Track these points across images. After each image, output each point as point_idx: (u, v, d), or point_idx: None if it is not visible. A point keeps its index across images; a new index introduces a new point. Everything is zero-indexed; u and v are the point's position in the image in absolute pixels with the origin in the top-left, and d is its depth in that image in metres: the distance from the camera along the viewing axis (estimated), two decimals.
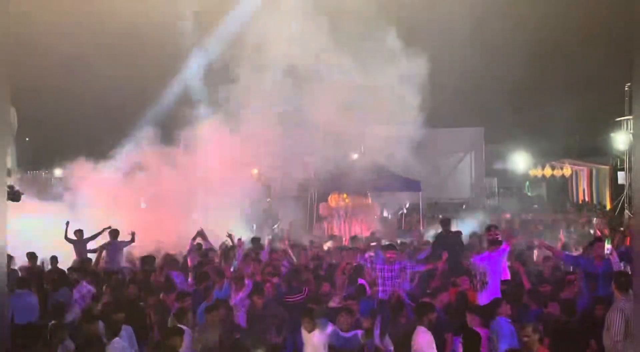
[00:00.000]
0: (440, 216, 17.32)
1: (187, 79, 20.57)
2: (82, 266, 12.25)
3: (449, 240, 12.36)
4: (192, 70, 20.21)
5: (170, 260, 11.73)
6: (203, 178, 17.27)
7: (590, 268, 9.37)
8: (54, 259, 13.07)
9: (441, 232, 13.10)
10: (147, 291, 9.79)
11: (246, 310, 9.20)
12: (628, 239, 10.49)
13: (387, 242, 12.39)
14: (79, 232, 14.62)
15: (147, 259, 11.99)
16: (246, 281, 9.52)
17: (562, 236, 13.57)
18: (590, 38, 24.48)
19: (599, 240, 10.41)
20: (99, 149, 19.86)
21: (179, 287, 10.16)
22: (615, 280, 7.07)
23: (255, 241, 14.01)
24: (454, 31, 20.39)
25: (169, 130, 18.92)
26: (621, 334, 6.31)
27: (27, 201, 13.76)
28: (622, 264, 9.10)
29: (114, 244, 13.75)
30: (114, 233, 13.91)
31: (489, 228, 11.14)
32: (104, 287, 10.30)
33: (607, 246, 10.89)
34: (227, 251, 11.99)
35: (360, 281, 10.28)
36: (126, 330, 7.68)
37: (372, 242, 14.31)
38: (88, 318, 7.80)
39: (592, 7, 23.13)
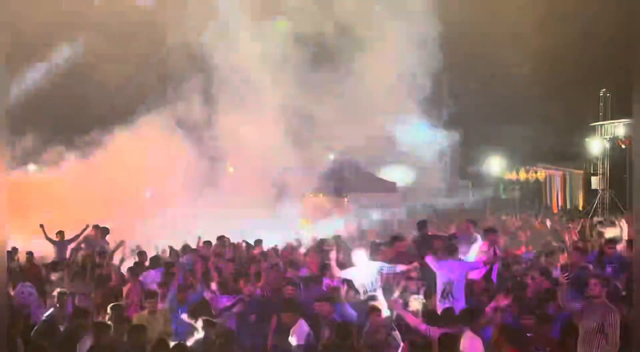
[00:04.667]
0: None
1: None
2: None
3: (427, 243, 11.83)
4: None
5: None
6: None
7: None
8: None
9: (419, 235, 12.65)
10: None
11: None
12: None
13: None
14: (60, 234, 14.13)
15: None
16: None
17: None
18: (567, 43, 24.57)
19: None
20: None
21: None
22: (607, 286, 6.91)
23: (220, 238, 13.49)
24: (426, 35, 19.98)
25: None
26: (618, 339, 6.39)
27: None
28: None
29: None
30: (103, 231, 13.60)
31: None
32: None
33: None
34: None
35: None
36: None
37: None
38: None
39: (570, 10, 23.22)
